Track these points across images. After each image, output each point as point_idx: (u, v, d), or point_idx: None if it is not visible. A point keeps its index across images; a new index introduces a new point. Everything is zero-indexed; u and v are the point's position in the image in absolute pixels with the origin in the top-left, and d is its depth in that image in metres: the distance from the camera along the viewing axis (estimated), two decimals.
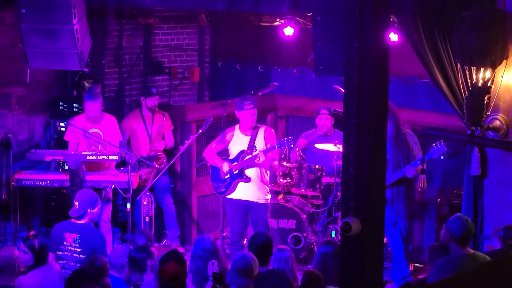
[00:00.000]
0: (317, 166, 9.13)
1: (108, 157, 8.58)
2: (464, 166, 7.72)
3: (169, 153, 9.49)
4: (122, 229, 9.41)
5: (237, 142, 8.46)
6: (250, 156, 8.32)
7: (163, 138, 9.35)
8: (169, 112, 9.59)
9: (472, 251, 6.28)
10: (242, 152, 8.40)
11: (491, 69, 6.92)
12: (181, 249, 8.81)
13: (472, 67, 6.94)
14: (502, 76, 7.10)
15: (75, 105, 9.43)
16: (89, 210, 7.24)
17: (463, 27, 6.81)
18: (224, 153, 8.75)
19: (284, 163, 9.16)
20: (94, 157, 8.53)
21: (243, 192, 8.41)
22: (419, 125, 9.18)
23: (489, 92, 7.04)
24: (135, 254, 6.47)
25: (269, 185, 8.71)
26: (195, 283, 6.67)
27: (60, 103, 9.53)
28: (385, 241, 8.31)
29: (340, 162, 8.15)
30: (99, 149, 8.68)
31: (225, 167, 8.41)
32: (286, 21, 9.73)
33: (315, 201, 9.31)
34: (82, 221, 7.23)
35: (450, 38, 7.07)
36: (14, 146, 8.84)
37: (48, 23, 7.66)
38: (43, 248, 6.46)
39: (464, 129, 7.39)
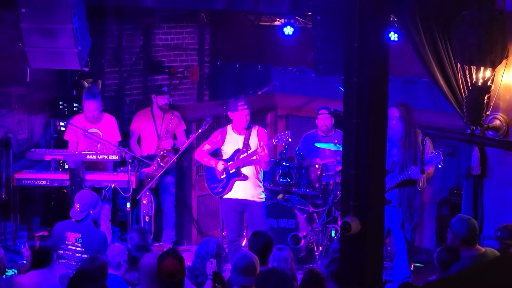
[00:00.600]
0: (316, 166, 9.14)
1: (108, 157, 8.58)
2: (463, 165, 7.72)
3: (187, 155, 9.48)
4: (122, 228, 9.41)
5: (231, 141, 8.44)
6: (246, 154, 8.33)
7: (175, 138, 9.30)
8: None
9: (483, 249, 6.28)
10: (238, 151, 8.40)
11: (491, 69, 6.92)
12: None
13: (472, 67, 6.94)
14: (502, 75, 7.10)
15: (75, 104, 9.43)
16: (91, 212, 7.26)
17: (463, 26, 6.81)
18: (216, 154, 8.76)
19: (284, 163, 9.17)
20: (94, 157, 8.53)
21: (240, 191, 8.41)
22: (419, 125, 9.18)
23: (489, 92, 7.04)
24: (135, 253, 6.48)
25: (264, 184, 8.74)
26: (190, 278, 6.67)
27: (60, 103, 9.53)
28: (385, 241, 8.32)
29: (339, 161, 8.16)
30: (98, 149, 8.68)
31: (220, 166, 8.41)
32: (286, 20, 9.74)
33: (315, 201, 9.32)
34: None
35: (450, 37, 7.07)
36: (14, 146, 8.85)
37: (48, 23, 7.67)
38: (44, 250, 6.43)
39: (464, 128, 7.38)
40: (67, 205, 8.47)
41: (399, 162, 7.98)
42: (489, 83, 6.98)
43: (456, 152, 9.15)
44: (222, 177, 8.47)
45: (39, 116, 9.51)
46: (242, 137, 8.40)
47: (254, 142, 8.37)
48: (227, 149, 8.47)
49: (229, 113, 8.38)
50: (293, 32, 9.66)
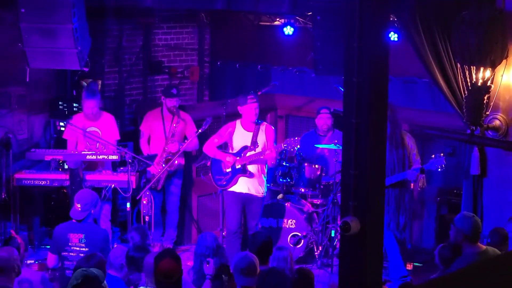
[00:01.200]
0: (316, 166, 9.14)
1: (108, 157, 8.58)
2: (463, 165, 7.73)
3: (189, 155, 9.46)
4: (122, 228, 9.41)
5: (239, 137, 8.55)
6: (253, 152, 8.40)
7: (184, 140, 9.24)
8: None
9: (484, 247, 6.29)
10: (245, 147, 8.50)
11: (490, 69, 6.93)
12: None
13: (471, 67, 6.94)
14: (502, 75, 7.10)
15: (74, 104, 9.42)
16: (92, 211, 7.27)
17: (462, 26, 6.81)
18: (223, 147, 8.83)
19: (284, 163, 9.18)
20: (94, 157, 8.53)
21: (243, 185, 8.54)
22: (418, 125, 9.19)
23: (488, 92, 7.04)
24: (133, 253, 6.48)
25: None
26: (195, 281, 6.68)
27: (60, 103, 9.53)
28: None
29: (339, 161, 8.16)
30: (97, 148, 8.68)
31: (228, 159, 8.52)
32: (285, 20, 9.73)
33: (314, 201, 9.32)
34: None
35: (449, 37, 7.07)
36: (13, 146, 8.84)
37: (48, 23, 7.66)
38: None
39: (464, 128, 7.39)
40: (67, 205, 8.46)
41: (387, 162, 8.00)
42: (488, 83, 6.98)
43: (456, 152, 9.15)
44: (227, 170, 8.58)
45: (39, 116, 9.50)
46: (250, 133, 8.50)
47: (261, 139, 8.49)
48: (235, 144, 8.58)
49: (239, 108, 8.51)
50: (293, 32, 9.66)
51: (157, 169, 9.05)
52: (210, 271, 6.42)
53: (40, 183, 8.64)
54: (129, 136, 9.70)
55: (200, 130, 8.76)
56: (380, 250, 4.96)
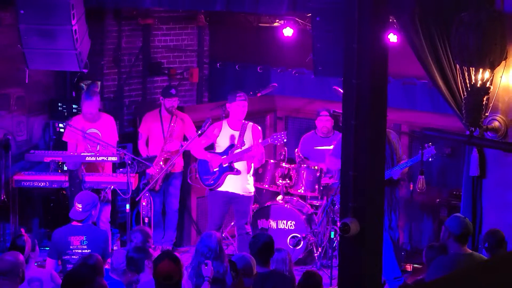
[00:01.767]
0: (316, 167, 9.14)
1: (107, 158, 8.58)
2: (463, 167, 7.72)
3: (189, 156, 9.47)
4: (121, 230, 9.41)
5: (225, 136, 8.62)
6: (240, 149, 8.48)
7: (185, 139, 9.25)
8: None
9: (470, 251, 6.29)
10: (232, 146, 8.58)
11: (489, 70, 6.92)
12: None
13: (471, 68, 6.94)
14: (501, 77, 7.10)
15: (74, 106, 9.43)
16: (93, 212, 7.26)
17: (462, 28, 6.81)
18: (210, 147, 8.88)
19: (283, 164, 9.18)
20: (93, 158, 8.53)
21: (230, 184, 8.60)
22: (418, 126, 9.19)
23: (488, 93, 7.03)
24: (133, 254, 6.47)
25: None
26: (191, 277, 6.65)
27: (59, 104, 9.53)
28: None
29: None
30: (97, 149, 8.68)
31: (215, 159, 8.58)
32: (285, 21, 9.73)
33: (314, 202, 9.32)
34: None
35: (449, 39, 7.06)
36: (13, 147, 8.84)
37: (47, 24, 7.65)
38: (18, 247, 6.40)
39: (463, 130, 7.38)
40: (66, 206, 8.47)
41: None
42: (488, 85, 6.98)
43: (455, 153, 9.15)
44: (214, 170, 8.64)
45: (38, 118, 9.51)
46: (237, 132, 8.59)
47: (248, 138, 8.58)
48: (222, 143, 8.65)
49: (227, 105, 8.60)
50: (293, 34, 9.66)
51: (155, 170, 9.06)
52: (208, 273, 6.40)
53: (39, 184, 8.63)
54: (128, 138, 9.70)
55: (199, 132, 8.77)
56: (380, 251, 4.96)
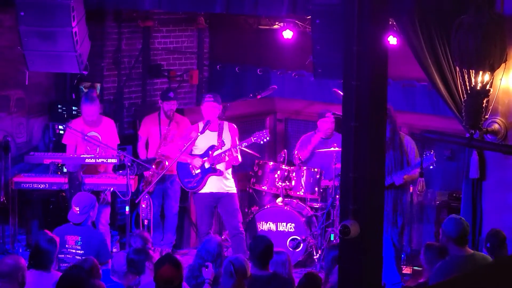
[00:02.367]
0: (315, 169, 9.14)
1: (106, 160, 8.57)
2: (462, 169, 7.72)
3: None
4: (121, 232, 9.41)
5: (204, 138, 8.62)
6: (220, 150, 8.53)
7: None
8: None
9: (472, 251, 6.28)
10: (212, 147, 8.61)
11: (489, 73, 6.92)
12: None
13: (470, 71, 6.94)
14: (501, 79, 7.10)
15: (73, 108, 9.43)
16: (91, 214, 7.27)
17: (461, 30, 6.81)
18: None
19: (283, 166, 9.17)
20: (93, 160, 8.52)
21: (212, 185, 8.62)
22: (417, 128, 9.18)
23: (487, 95, 7.04)
24: (133, 256, 6.47)
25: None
26: (187, 278, 6.65)
27: (59, 106, 9.53)
28: None
29: (339, 165, 8.15)
30: (97, 152, 8.68)
31: (197, 162, 8.60)
32: (285, 24, 9.74)
33: (314, 204, 9.31)
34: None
35: (448, 41, 7.06)
36: (12, 149, 8.84)
37: (47, 26, 7.65)
38: (40, 252, 6.39)
39: (463, 132, 7.38)
40: (65, 208, 8.46)
41: (385, 165, 8.00)
42: (487, 87, 6.98)
43: (455, 156, 9.15)
44: (196, 172, 8.64)
45: (38, 120, 9.51)
46: (215, 133, 8.63)
47: (227, 137, 8.63)
48: (201, 145, 8.66)
49: (201, 107, 8.66)
50: (292, 36, 9.66)
51: (149, 172, 9.09)
52: (208, 275, 6.41)
53: (39, 186, 8.63)
54: (128, 140, 9.70)
55: (199, 134, 8.76)
56: (380, 254, 4.95)
